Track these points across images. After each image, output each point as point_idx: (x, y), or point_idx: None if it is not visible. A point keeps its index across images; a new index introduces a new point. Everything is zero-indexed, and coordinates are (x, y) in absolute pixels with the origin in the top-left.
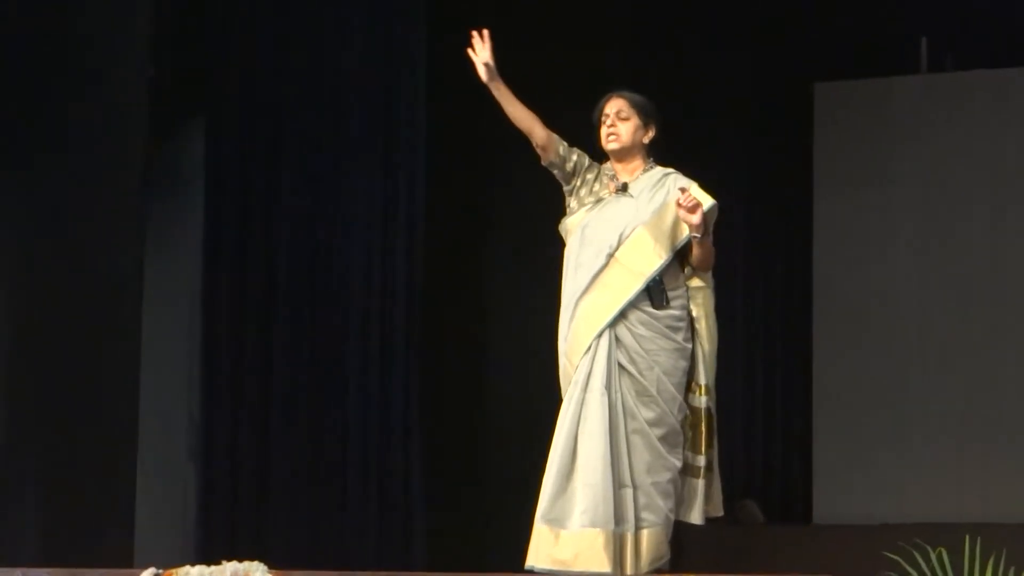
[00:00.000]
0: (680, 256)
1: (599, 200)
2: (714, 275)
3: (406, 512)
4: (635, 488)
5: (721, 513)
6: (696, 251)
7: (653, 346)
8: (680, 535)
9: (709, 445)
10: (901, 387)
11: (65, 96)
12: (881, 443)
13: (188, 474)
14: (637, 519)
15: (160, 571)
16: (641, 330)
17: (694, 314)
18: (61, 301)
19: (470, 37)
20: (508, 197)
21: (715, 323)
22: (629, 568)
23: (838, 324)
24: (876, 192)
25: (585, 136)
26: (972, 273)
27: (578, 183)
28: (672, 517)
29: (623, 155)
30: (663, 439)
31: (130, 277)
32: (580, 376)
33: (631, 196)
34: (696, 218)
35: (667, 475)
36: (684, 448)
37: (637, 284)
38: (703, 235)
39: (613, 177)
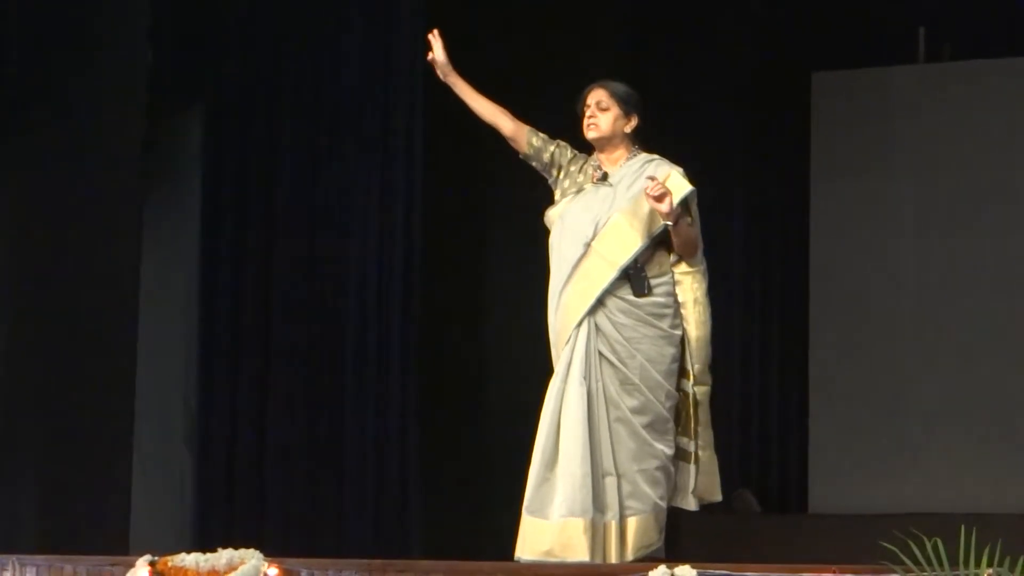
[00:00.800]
0: (665, 242)
1: (580, 190)
2: (706, 259)
3: (403, 500)
4: (619, 476)
5: (718, 498)
6: (674, 238)
7: (635, 334)
8: (676, 524)
9: (696, 431)
10: (897, 377)
11: (62, 84)
12: (877, 433)
13: (184, 462)
14: (622, 507)
15: (156, 558)
16: (621, 318)
17: (680, 299)
18: (58, 291)
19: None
20: (506, 184)
21: (706, 308)
22: (614, 556)
23: (835, 313)
24: (873, 181)
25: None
26: (970, 262)
27: (560, 175)
28: (663, 504)
29: (605, 145)
30: (649, 427)
31: (127, 266)
32: (561, 366)
33: (610, 185)
34: (664, 206)
35: (654, 463)
36: (677, 434)
37: (612, 273)
38: (675, 222)
39: (597, 167)
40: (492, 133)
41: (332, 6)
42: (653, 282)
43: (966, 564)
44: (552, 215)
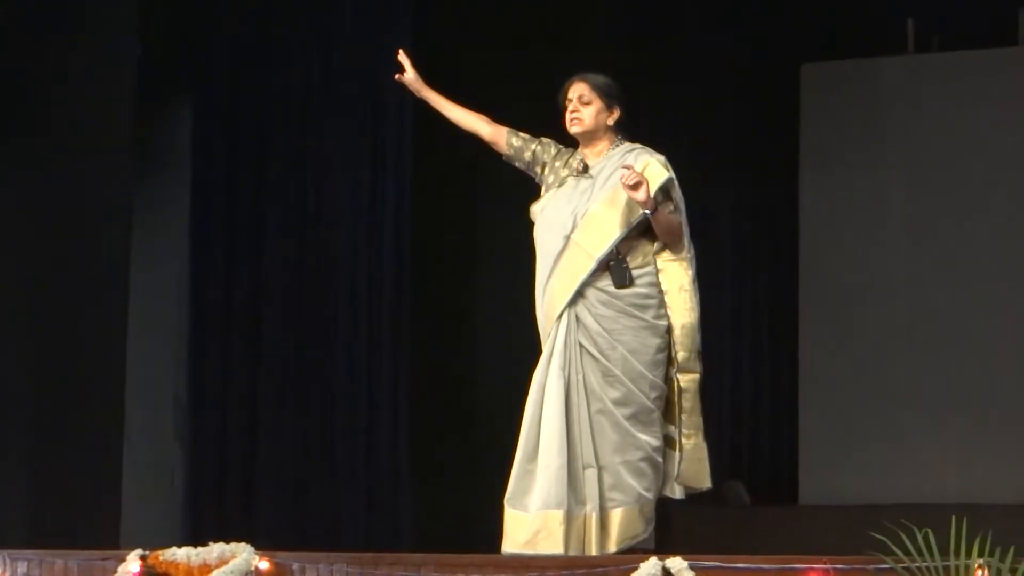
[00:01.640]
0: (648, 232)
1: (562, 184)
2: (694, 248)
3: (394, 494)
4: (601, 468)
5: (707, 486)
6: (656, 226)
7: (616, 326)
8: (666, 516)
9: (680, 418)
10: (887, 368)
11: (52, 78)
12: (867, 424)
13: (175, 456)
14: (604, 499)
15: (147, 552)
16: (602, 310)
17: (664, 287)
18: (48, 284)
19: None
20: (497, 170)
21: (693, 296)
22: (595, 548)
23: (824, 305)
24: (862, 172)
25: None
26: (959, 253)
27: (544, 171)
28: (649, 496)
29: (588, 138)
30: (632, 418)
31: (117, 259)
32: (542, 359)
33: (590, 177)
34: (641, 194)
35: (638, 454)
36: (665, 421)
37: (591, 264)
38: (654, 210)
39: (581, 160)
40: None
41: (323, 1)
42: (635, 272)
43: (957, 554)
44: (535, 209)
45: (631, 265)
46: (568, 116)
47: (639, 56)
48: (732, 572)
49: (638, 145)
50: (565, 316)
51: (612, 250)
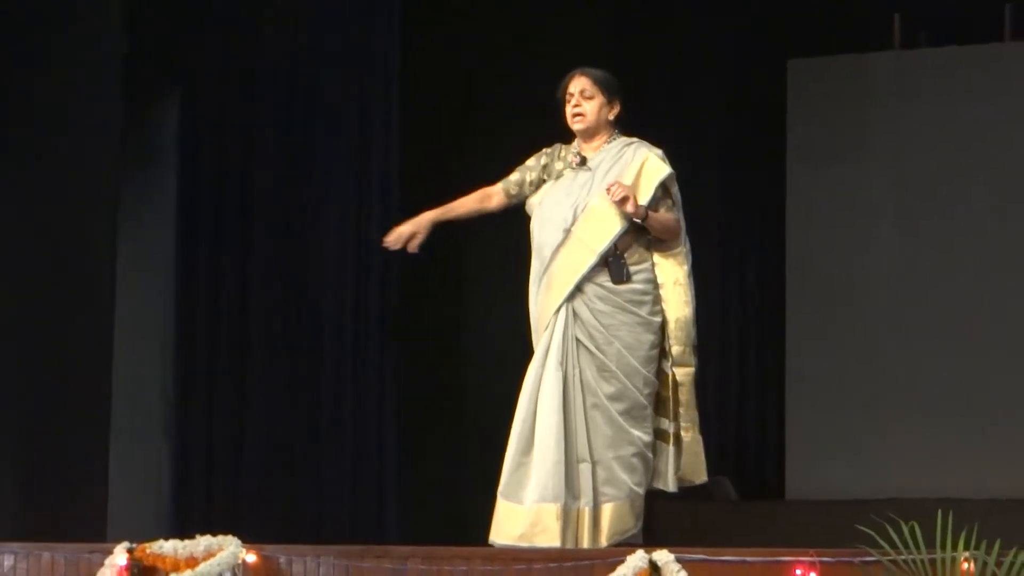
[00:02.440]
0: (645, 228)
1: (559, 177)
2: (689, 241)
3: (379, 486)
4: (594, 463)
5: (704, 479)
6: (651, 229)
7: (612, 321)
8: (652, 512)
9: (677, 412)
10: (874, 363)
11: (38, 71)
12: (854, 420)
13: (162, 450)
14: (597, 493)
15: (134, 545)
16: (599, 305)
17: (660, 280)
18: (35, 276)
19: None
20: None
21: (688, 289)
22: (587, 542)
23: (812, 300)
24: (849, 167)
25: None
26: (946, 248)
27: (542, 177)
28: (640, 491)
29: (588, 134)
30: (625, 413)
31: (104, 251)
32: (539, 352)
33: (589, 170)
34: (630, 207)
35: (631, 449)
36: (658, 415)
37: (591, 259)
38: (645, 217)
39: (576, 153)
40: (471, 105)
41: None
42: (632, 269)
43: (943, 547)
44: (532, 202)
45: (628, 261)
46: (570, 111)
47: (626, 51)
48: (718, 565)
49: (635, 139)
50: (563, 310)
51: (612, 245)
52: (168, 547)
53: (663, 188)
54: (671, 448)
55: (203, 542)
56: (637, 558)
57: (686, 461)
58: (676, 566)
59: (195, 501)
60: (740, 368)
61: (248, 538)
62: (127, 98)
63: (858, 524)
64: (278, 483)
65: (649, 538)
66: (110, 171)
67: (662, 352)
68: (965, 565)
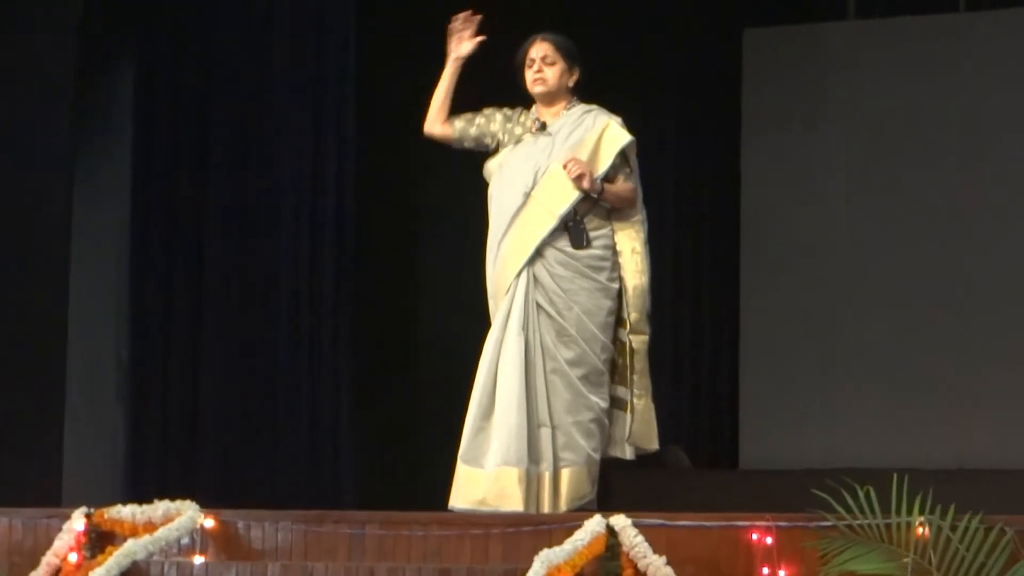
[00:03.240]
0: None
1: (518, 141)
2: (645, 210)
3: (335, 451)
4: (554, 428)
5: (655, 447)
6: (607, 201)
7: (572, 286)
8: (607, 479)
9: (632, 380)
10: (828, 332)
11: None
12: (808, 388)
13: (116, 415)
14: (556, 458)
15: (92, 511)
16: (559, 270)
17: (618, 248)
18: None
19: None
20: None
21: (644, 258)
22: (547, 506)
23: (766, 269)
24: (804, 137)
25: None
26: (901, 217)
27: (501, 137)
28: (596, 457)
29: (548, 99)
30: (584, 379)
31: (58, 220)
32: (500, 317)
33: (549, 135)
34: (585, 183)
35: (589, 415)
36: (613, 383)
37: (551, 222)
38: (600, 193)
39: (536, 119)
40: (426, 75)
41: None
42: (592, 235)
43: (898, 512)
44: (491, 166)
45: (588, 227)
46: (530, 75)
47: (580, 18)
48: (675, 530)
49: (595, 106)
50: (524, 275)
51: (571, 209)
52: (126, 512)
53: (622, 156)
54: (627, 416)
55: (161, 507)
56: (594, 523)
57: (638, 429)
58: (633, 531)
59: (150, 467)
60: (694, 337)
61: (203, 503)
62: (82, 62)
63: (812, 492)
64: (233, 449)
65: (604, 506)
66: (65, 137)
67: (618, 320)
68: (920, 530)
